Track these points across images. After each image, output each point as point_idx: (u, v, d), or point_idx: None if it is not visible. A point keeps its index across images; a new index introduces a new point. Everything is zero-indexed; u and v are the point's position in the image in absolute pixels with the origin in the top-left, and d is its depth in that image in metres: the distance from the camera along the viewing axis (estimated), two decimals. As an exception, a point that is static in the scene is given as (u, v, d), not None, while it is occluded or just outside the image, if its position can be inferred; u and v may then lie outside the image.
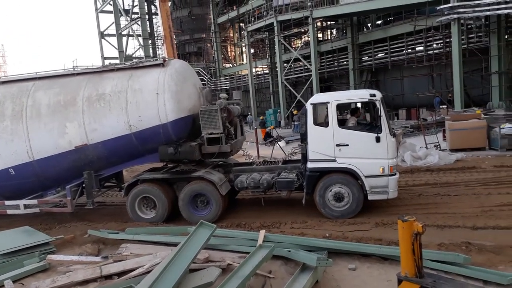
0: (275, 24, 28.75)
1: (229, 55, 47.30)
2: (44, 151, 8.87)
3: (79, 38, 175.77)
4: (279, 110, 31.19)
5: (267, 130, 22.81)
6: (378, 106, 7.79)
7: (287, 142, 19.71)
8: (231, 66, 44.80)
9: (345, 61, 30.04)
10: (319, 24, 32.55)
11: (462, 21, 20.32)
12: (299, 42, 36.14)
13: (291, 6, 28.41)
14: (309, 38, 27.93)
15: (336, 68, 30.32)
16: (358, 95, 8.81)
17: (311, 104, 8.21)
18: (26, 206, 8.93)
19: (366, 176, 7.85)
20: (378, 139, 7.74)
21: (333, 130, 7.96)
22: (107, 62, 38.50)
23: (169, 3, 33.26)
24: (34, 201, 8.97)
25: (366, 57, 28.77)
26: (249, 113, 32.73)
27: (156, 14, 41.25)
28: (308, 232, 7.24)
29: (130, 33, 40.17)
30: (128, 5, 40.14)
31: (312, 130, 8.16)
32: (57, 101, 8.89)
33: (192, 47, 44.56)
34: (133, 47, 42.10)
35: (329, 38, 35.37)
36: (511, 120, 14.78)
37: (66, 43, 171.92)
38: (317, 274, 5.24)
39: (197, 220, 6.06)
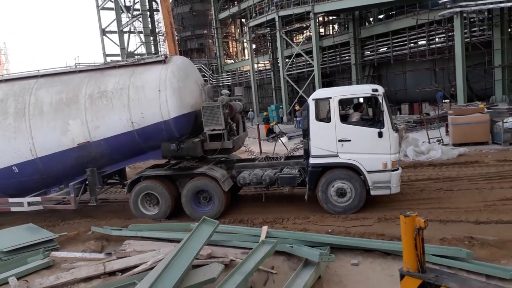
0: (276, 19, 28.65)
1: (231, 51, 47.21)
2: (47, 148, 8.91)
3: (80, 36, 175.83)
4: (281, 106, 31.15)
5: (270, 126, 22.82)
6: (380, 101, 7.77)
7: (290, 138, 19.69)
8: (233, 62, 44.73)
9: (347, 56, 29.93)
10: (320, 19, 32.43)
11: (464, 15, 20.19)
12: (301, 37, 35.98)
13: (292, 1, 28.34)
14: (311, 33, 27.84)
15: (338, 63, 30.23)
16: (360, 90, 8.78)
17: (313, 99, 8.19)
18: (29, 204, 8.98)
19: (369, 172, 7.84)
20: (380, 134, 7.72)
21: (335, 125, 7.94)
22: (109, 59, 38.45)
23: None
24: (38, 199, 9.02)
25: (368, 52, 28.67)
26: (250, 109, 32.70)
27: (157, 10, 41.08)
28: (311, 227, 7.25)
29: (132, 30, 40.11)
30: (129, 1, 40.06)
31: (314, 125, 8.15)
32: (60, 98, 8.92)
33: (194, 43, 44.53)
34: (135, 44, 41.89)
35: (331, 33, 35.24)
36: (514, 114, 14.74)
37: (67, 41, 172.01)
38: (319, 270, 5.25)
39: (199, 216, 6.08)
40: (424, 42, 24.23)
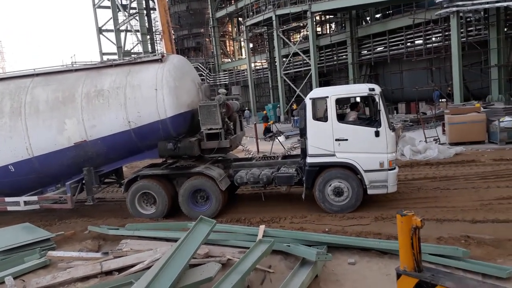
0: (273, 18, 28.64)
1: (228, 50, 47.13)
2: (43, 147, 8.86)
3: (77, 35, 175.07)
4: (278, 105, 31.14)
5: (267, 125, 22.81)
6: (377, 100, 7.78)
7: (287, 137, 19.69)
8: (230, 61, 44.67)
9: (344, 55, 29.98)
10: (318, 18, 32.44)
11: (461, 14, 20.29)
12: (298, 36, 36.02)
13: (289, 0, 28.30)
14: (308, 32, 27.83)
15: (335, 62, 30.26)
16: (357, 90, 8.78)
17: (310, 98, 8.20)
18: (26, 203, 8.94)
19: (366, 171, 7.85)
20: (377, 134, 7.74)
21: (332, 124, 7.95)
22: (105, 58, 38.32)
23: (167, -2, 33.06)
24: (34, 198, 8.98)
25: (365, 51, 28.72)
26: (246, 108, 32.63)
27: (154, 9, 40.97)
28: (308, 226, 7.26)
29: (128, 28, 40.00)
30: (126, 0, 39.95)
31: (312, 124, 8.15)
32: (56, 97, 8.87)
33: (191, 42, 44.43)
34: (132, 42, 41.91)
35: (328, 32, 35.27)
36: (510, 113, 14.77)
37: (64, 39, 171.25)
38: (316, 269, 5.26)
39: (197, 216, 6.07)
40: (420, 41, 24.30)
